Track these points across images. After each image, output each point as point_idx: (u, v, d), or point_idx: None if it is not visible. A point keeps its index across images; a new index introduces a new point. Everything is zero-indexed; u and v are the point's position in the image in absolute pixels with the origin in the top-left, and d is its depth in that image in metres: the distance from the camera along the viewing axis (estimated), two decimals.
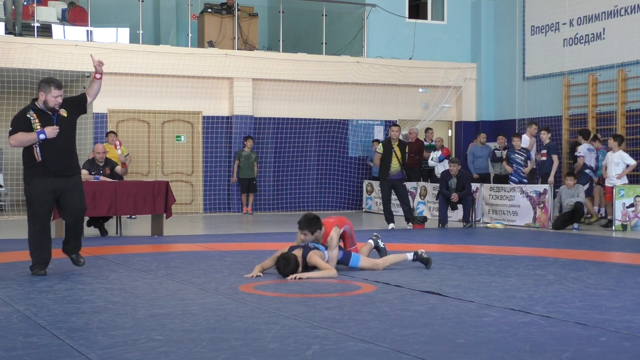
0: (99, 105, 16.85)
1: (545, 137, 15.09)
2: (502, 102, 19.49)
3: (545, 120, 17.63)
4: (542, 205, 13.99)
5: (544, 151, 14.96)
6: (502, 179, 15.58)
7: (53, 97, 7.59)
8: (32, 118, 7.59)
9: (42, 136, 7.51)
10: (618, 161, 13.88)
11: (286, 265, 7.41)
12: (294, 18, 19.68)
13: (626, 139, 15.63)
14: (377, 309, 5.81)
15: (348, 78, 18.56)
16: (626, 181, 13.88)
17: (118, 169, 12.55)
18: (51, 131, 7.54)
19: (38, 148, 7.56)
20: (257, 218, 16.42)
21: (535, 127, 15.86)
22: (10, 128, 7.63)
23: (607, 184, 13.99)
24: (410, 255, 8.20)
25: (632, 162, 13.92)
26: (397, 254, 8.34)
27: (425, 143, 18.16)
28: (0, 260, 8.79)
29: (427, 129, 18.51)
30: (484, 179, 16.19)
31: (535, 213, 14.11)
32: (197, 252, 9.90)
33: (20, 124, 7.62)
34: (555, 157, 14.74)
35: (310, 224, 7.63)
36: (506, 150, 15.65)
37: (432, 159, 17.49)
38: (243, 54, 17.95)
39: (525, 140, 15.45)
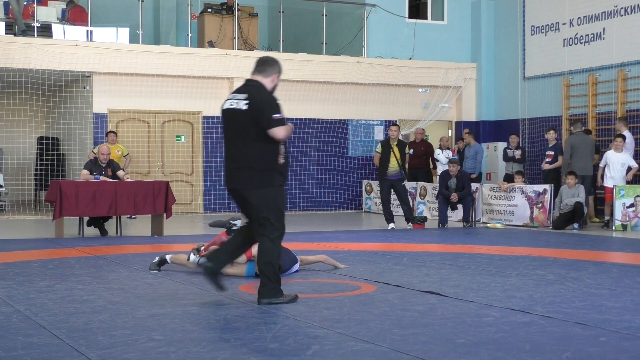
0: (99, 105, 16.86)
1: (552, 137, 15.08)
2: (502, 102, 19.49)
3: (545, 121, 17.63)
4: (540, 205, 13.99)
5: (551, 152, 14.95)
6: (511, 178, 15.39)
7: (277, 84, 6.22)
8: None
9: None
10: (624, 162, 13.85)
11: None
12: (294, 18, 19.67)
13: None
14: (377, 309, 5.81)
15: (348, 78, 18.56)
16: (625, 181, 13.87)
17: (120, 173, 12.47)
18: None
19: (283, 146, 6.11)
20: None
21: None
22: (278, 115, 5.92)
23: (608, 184, 13.91)
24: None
25: (636, 165, 13.93)
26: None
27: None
28: (0, 260, 8.79)
29: (442, 137, 18.28)
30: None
31: (532, 213, 14.10)
32: None
33: (281, 112, 5.99)
34: (561, 158, 14.76)
35: None
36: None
37: (446, 157, 17.26)
38: (243, 54, 17.93)
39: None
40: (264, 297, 5.94)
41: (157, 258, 8.03)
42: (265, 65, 6.14)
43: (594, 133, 16.22)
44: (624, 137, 14.06)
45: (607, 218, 13.98)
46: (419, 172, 17.31)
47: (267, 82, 6.10)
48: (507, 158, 16.09)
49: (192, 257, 7.66)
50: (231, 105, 6.05)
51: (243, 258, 7.48)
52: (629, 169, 13.95)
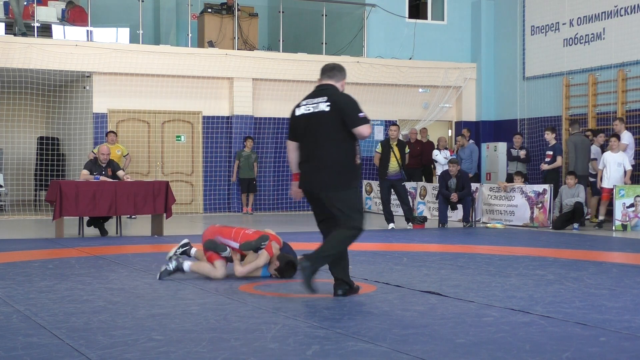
0: (99, 105, 16.86)
1: (551, 137, 15.07)
2: (502, 102, 19.49)
3: (545, 121, 17.64)
4: (540, 205, 13.99)
5: (550, 152, 14.95)
6: (511, 178, 15.39)
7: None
8: None
9: None
10: (620, 162, 13.85)
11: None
12: (294, 18, 19.67)
13: None
14: (377, 309, 5.81)
15: (348, 78, 18.23)
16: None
17: (120, 173, 12.46)
18: None
19: (359, 146, 6.33)
20: (257, 218, 16.41)
21: None
22: (362, 114, 6.19)
23: (606, 185, 13.90)
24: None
25: (629, 167, 13.93)
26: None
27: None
28: (0, 260, 8.79)
29: (440, 137, 18.38)
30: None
31: (532, 213, 14.10)
32: None
33: (363, 111, 6.21)
34: (559, 158, 14.76)
35: None
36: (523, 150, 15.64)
37: (444, 157, 17.33)
38: (243, 54, 17.95)
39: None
40: (309, 260, 5.92)
41: (172, 266, 7.34)
42: (334, 71, 6.35)
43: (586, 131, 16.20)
44: (618, 137, 14.08)
45: (601, 218, 13.97)
46: (414, 172, 17.33)
47: (338, 86, 6.32)
48: (511, 158, 16.09)
49: (236, 263, 7.25)
50: (308, 110, 6.18)
51: (267, 258, 7.35)
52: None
